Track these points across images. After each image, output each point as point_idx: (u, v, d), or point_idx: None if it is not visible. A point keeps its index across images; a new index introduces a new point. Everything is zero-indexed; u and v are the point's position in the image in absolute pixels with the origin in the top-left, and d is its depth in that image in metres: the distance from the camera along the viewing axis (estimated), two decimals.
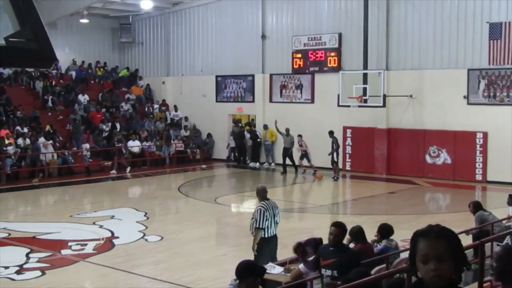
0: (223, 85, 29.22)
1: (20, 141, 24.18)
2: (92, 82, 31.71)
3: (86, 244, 13.37)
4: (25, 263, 11.91)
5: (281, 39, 26.83)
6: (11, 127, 24.88)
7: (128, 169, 25.55)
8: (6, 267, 11.30)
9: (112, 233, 14.44)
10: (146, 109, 30.93)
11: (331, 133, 23.10)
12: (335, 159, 22.76)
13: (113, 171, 24.96)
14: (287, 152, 24.85)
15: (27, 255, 12.42)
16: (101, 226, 15.12)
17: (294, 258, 8.97)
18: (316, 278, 7.41)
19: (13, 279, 10.66)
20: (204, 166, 27.48)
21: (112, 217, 16.38)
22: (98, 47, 32.54)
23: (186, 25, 30.49)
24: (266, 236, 9.75)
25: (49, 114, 27.75)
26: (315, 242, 8.20)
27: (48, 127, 26.14)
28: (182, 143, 28.83)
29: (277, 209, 10.03)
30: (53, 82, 29.64)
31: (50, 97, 28.45)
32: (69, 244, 13.41)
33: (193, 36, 30.19)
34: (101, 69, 32.63)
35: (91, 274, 11.70)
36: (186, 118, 30.42)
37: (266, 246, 9.74)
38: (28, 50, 2.69)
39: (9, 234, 14.30)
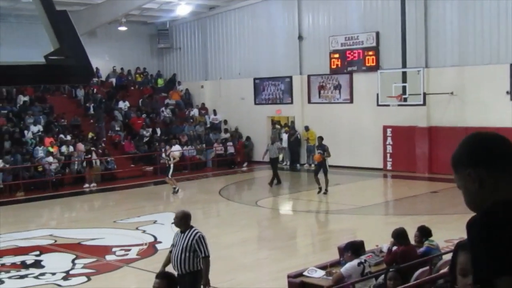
0: (261, 87, 29.27)
1: (63, 148, 24.67)
2: (132, 88, 32.13)
3: (129, 250, 13.55)
4: (71, 269, 12.12)
5: (318, 40, 26.74)
6: (54, 135, 25.37)
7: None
8: (53, 273, 11.52)
9: (155, 238, 14.59)
10: (186, 114, 31.19)
11: (320, 139, 20.45)
12: (327, 168, 19.79)
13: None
14: (275, 163, 22.72)
15: (73, 261, 12.64)
16: (144, 231, 15.29)
17: (335, 261, 8.94)
18: (358, 282, 7.37)
19: (60, 285, 10.86)
20: (244, 168, 27.57)
21: (155, 222, 16.54)
22: (137, 53, 32.91)
23: (223, 28, 30.63)
24: (196, 269, 8.06)
25: (91, 121, 28.22)
26: (356, 245, 8.16)
27: (90, 134, 26.59)
28: (222, 146, 28.99)
29: None
30: (94, 90, 30.14)
31: (92, 104, 28.94)
32: (113, 249, 13.60)
33: (230, 39, 30.32)
34: (141, 76, 33.04)
35: (135, 279, 11.86)
36: (225, 122, 30.57)
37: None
38: (67, 67, 2.74)
39: (55, 241, 14.58)
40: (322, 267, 8.91)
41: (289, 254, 13.14)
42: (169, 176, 21.28)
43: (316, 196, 19.61)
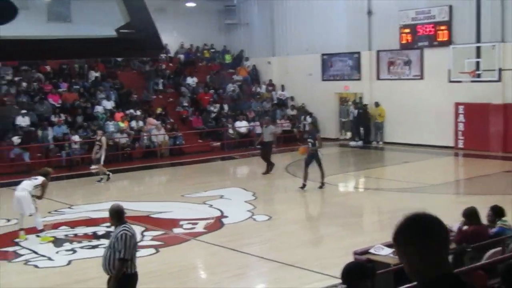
0: (328, 63, 28.98)
1: (133, 123, 25.21)
2: (200, 64, 32.39)
3: (196, 223, 13.75)
4: (140, 241, 12.36)
5: (388, 14, 26.15)
6: (125, 110, 25.91)
7: None
8: None
9: (222, 212, 14.75)
10: (253, 90, 31.26)
11: (312, 125, 19.19)
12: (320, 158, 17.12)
13: None
14: (267, 147, 20.55)
15: (142, 233, 12.92)
16: (211, 206, 15.49)
17: None
18: None
19: None
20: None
21: (221, 196, 16.71)
22: (204, 29, 33.05)
23: (290, 4, 30.35)
24: (130, 271, 7.20)
25: (160, 97, 28.67)
26: None
27: (159, 110, 27.03)
28: (289, 123, 28.94)
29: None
30: (163, 66, 30.55)
31: (161, 80, 29.38)
32: (181, 223, 13.84)
33: (298, 15, 30.05)
34: (208, 52, 33.25)
35: (201, 252, 12.05)
36: (292, 98, 30.47)
37: (129, 284, 7.13)
38: (137, 41, 2.76)
39: (125, 213, 14.91)
40: (389, 245, 8.79)
41: (355, 231, 13.05)
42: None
43: (385, 173, 19.36)
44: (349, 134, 28.78)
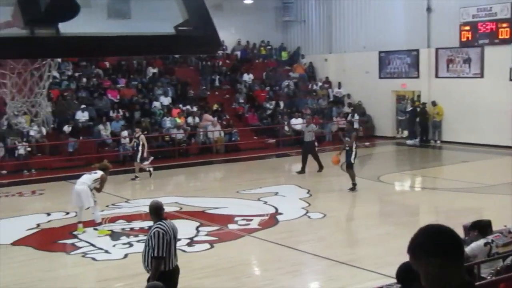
0: (386, 61, 28.64)
1: (190, 119, 25.48)
2: (256, 61, 32.47)
3: (251, 220, 13.80)
4: (195, 236, 12.54)
5: (448, 11, 25.66)
6: (181, 106, 26.21)
7: None
8: (179, 239, 11.95)
9: (276, 209, 14.77)
10: (309, 87, 31.15)
11: (350, 123, 18.69)
12: (352, 160, 16.57)
13: None
14: (310, 147, 19.96)
15: (197, 228, 13.08)
16: (265, 202, 15.52)
17: (461, 238, 8.64)
18: (484, 262, 7.10)
19: (184, 251, 11.25)
20: (367, 143, 27.24)
21: (276, 193, 16.72)
22: (261, 26, 33.11)
23: (348, 1, 30.12)
24: (168, 268, 7.14)
25: (216, 93, 28.88)
26: (483, 224, 7.84)
27: (215, 106, 27.24)
28: (345, 120, 28.72)
29: (177, 232, 7.44)
30: (220, 62, 30.76)
31: (217, 76, 29.60)
32: (236, 219, 13.92)
33: (355, 12, 29.79)
34: (265, 49, 33.31)
35: (256, 249, 12.09)
36: (348, 95, 30.25)
37: (167, 283, 6.70)
38: (195, 38, 2.79)
39: (181, 208, 15.12)
40: None
41: (412, 230, 12.71)
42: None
43: (443, 173, 19.00)
44: (405, 133, 28.38)
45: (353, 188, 16.58)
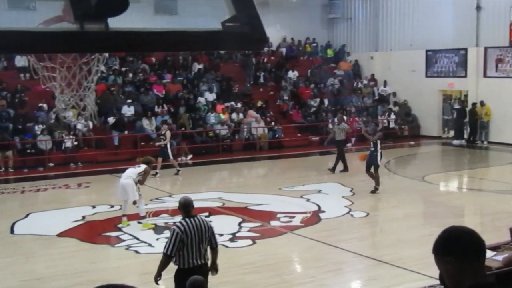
0: (433, 59, 28.23)
1: (234, 115, 25.58)
2: (302, 58, 32.38)
3: (293, 217, 13.79)
4: (238, 231, 12.60)
5: (498, 10, 25.16)
6: (226, 102, 26.32)
7: None
8: (221, 235, 12.03)
9: (319, 207, 14.73)
10: (354, 85, 30.93)
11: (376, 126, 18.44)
12: (378, 162, 16.40)
13: None
14: (340, 145, 19.79)
15: (239, 224, 13.13)
16: (308, 200, 15.49)
17: (506, 242, 8.49)
18: None
19: (227, 246, 11.32)
20: (412, 142, 26.92)
21: (319, 191, 16.68)
22: (307, 24, 33.00)
23: None
24: (186, 266, 7.06)
25: (261, 90, 28.91)
26: None
27: (259, 103, 27.27)
28: (390, 119, 28.44)
29: (210, 230, 7.27)
30: (265, 59, 30.78)
31: (262, 73, 29.62)
32: (278, 215, 13.93)
33: (403, 9, 29.44)
34: (310, 46, 33.18)
35: (297, 246, 12.08)
36: (394, 94, 29.93)
37: (183, 281, 6.50)
38: (242, 34, 2.79)
39: (224, 204, 15.21)
40: (492, 248, 8.49)
41: None
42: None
43: (489, 174, 18.64)
44: (452, 133, 27.94)
45: (374, 191, 16.31)
